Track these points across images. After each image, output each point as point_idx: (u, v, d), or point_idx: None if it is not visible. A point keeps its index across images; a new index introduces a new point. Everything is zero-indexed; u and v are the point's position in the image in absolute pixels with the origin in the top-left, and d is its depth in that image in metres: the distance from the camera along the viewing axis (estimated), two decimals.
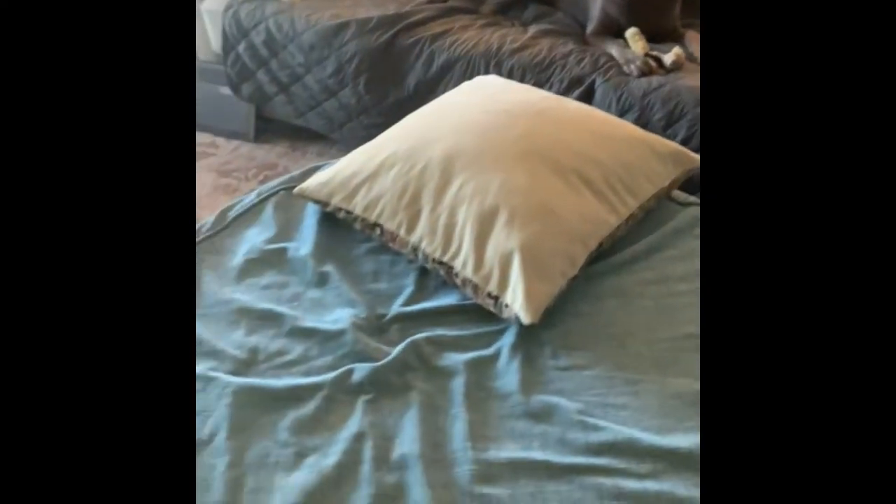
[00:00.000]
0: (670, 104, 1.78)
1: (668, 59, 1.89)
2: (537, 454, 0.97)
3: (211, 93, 2.46)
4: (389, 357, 1.09)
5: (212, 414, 1.02)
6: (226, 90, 2.40)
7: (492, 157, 1.24)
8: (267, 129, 2.45)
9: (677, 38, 2.03)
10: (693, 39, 2.02)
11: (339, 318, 1.16)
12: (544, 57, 1.98)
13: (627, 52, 1.94)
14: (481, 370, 1.09)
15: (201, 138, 2.48)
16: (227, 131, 2.46)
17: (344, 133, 2.27)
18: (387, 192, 1.27)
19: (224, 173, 2.33)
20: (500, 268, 1.14)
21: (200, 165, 2.36)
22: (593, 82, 1.90)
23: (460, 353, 1.11)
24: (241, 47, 2.27)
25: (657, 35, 2.00)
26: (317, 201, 1.35)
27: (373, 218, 1.28)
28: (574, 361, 1.10)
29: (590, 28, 2.09)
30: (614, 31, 2.04)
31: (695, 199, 1.43)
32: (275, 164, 2.36)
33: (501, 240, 1.16)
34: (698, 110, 1.74)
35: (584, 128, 1.34)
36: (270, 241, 1.32)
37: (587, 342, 1.13)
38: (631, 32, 1.98)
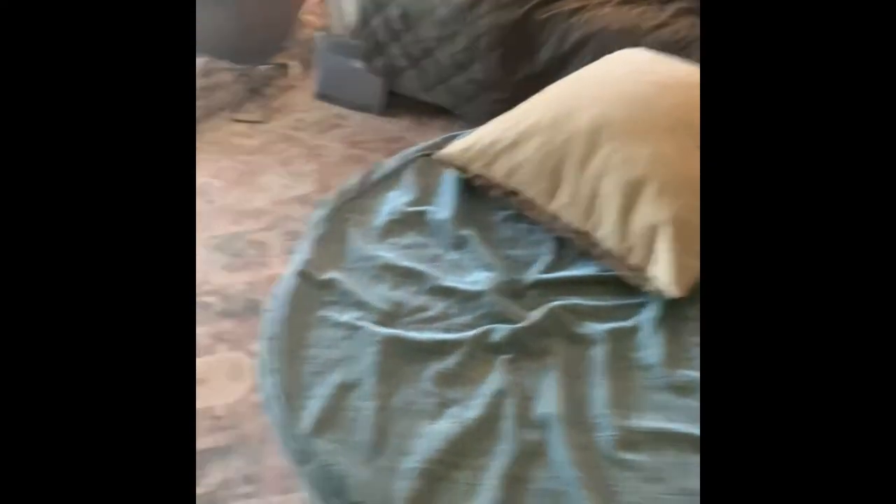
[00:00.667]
0: None
1: None
2: (680, 427, 0.95)
3: (343, 66, 2.54)
4: (528, 321, 1.10)
5: (359, 360, 1.06)
6: (357, 63, 2.47)
7: (641, 127, 1.22)
8: (393, 103, 2.51)
9: None
10: None
11: (477, 279, 1.19)
12: (684, 35, 1.92)
13: None
14: (622, 341, 1.08)
15: (332, 110, 2.57)
16: (356, 104, 2.54)
17: (469, 108, 2.29)
18: (528, 160, 1.28)
19: (353, 144, 2.41)
20: (646, 240, 1.12)
21: (332, 135, 2.46)
22: None
23: (599, 323, 1.11)
24: (377, 21, 2.33)
25: None
26: (456, 167, 1.38)
27: (512, 184, 1.29)
28: None
29: None
30: None
31: None
32: (400, 138, 2.42)
33: (649, 212, 1.14)
34: None
35: None
36: (411, 203, 1.36)
37: None
38: None
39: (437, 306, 1.15)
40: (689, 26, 1.94)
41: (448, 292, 1.17)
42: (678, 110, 1.24)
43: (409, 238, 1.29)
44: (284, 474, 1.40)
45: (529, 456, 0.93)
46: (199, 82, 2.60)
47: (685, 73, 1.35)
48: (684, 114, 1.23)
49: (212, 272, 1.91)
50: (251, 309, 1.79)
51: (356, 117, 2.53)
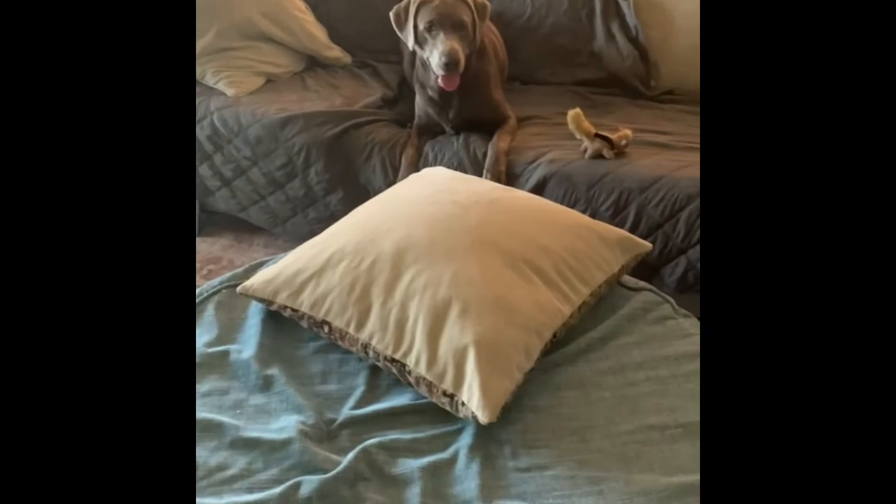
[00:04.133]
0: (615, 193, 1.81)
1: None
2: None
3: None
4: (339, 467, 1.02)
5: None
6: None
7: (443, 248, 1.22)
8: (211, 221, 2.40)
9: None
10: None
11: (284, 425, 1.09)
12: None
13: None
14: (438, 476, 1.03)
15: None
16: None
17: (287, 228, 2.24)
18: (335, 287, 1.23)
19: None
20: (454, 363, 1.10)
21: None
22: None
23: (416, 459, 1.05)
24: None
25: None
26: (261, 300, 1.30)
27: (321, 315, 1.23)
28: (535, 461, 1.05)
29: None
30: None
31: (645, 284, 1.43)
32: (219, 258, 2.29)
33: (455, 334, 1.12)
34: (643, 197, 1.79)
35: (534, 217, 1.34)
36: (211, 343, 1.25)
37: (547, 439, 1.08)
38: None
39: (239, 462, 1.04)
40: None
41: (251, 444, 1.06)
42: (477, 230, 1.26)
43: (209, 384, 1.18)
44: None
45: None
46: None
47: (483, 192, 1.39)
48: (483, 233, 1.26)
49: None
50: None
51: None
